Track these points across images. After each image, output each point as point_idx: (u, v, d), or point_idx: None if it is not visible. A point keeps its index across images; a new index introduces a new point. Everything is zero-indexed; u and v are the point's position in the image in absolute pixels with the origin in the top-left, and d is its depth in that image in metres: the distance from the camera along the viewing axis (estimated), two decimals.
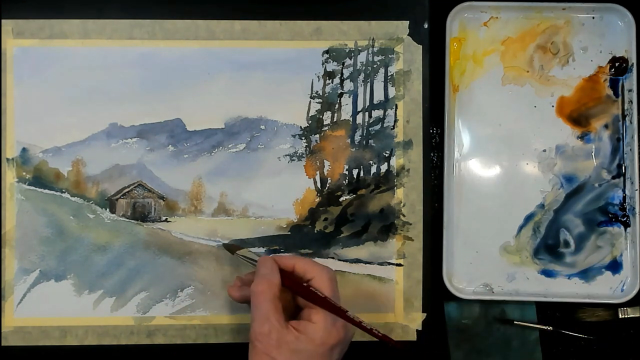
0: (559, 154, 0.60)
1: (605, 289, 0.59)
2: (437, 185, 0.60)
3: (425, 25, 0.59)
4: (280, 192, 0.58)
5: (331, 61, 0.59)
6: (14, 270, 0.57)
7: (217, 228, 0.58)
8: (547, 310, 0.60)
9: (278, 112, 0.59)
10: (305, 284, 0.49)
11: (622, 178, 0.60)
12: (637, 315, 0.59)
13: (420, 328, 0.58)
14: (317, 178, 0.59)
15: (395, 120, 0.59)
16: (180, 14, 0.58)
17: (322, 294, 0.48)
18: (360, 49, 0.59)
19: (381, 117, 0.59)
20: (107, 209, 0.58)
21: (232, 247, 0.55)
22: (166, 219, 0.58)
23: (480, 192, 0.60)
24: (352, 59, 0.59)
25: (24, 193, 0.57)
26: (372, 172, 0.59)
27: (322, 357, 0.46)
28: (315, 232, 0.59)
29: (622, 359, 0.60)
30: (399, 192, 0.59)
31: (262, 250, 0.58)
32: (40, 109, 0.58)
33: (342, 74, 0.59)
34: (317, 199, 0.59)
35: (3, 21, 0.57)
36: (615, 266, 0.59)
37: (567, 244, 0.60)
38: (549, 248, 0.59)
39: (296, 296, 0.50)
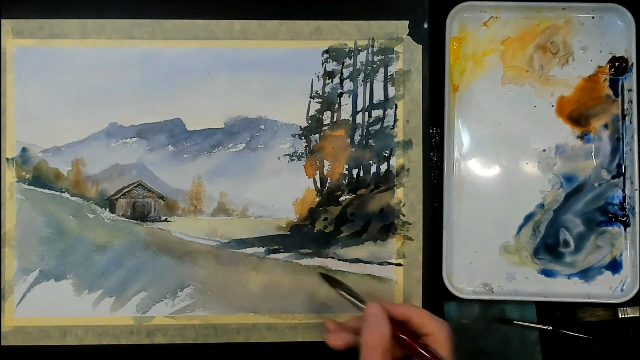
0: (559, 154, 0.60)
1: (605, 289, 0.59)
2: (437, 185, 0.60)
3: (425, 25, 0.59)
4: (280, 192, 0.58)
5: (331, 61, 0.59)
6: (14, 270, 0.57)
7: (217, 228, 0.58)
8: (547, 310, 0.60)
9: (278, 112, 0.59)
10: (422, 342, 0.45)
11: (622, 178, 0.60)
12: (637, 315, 0.59)
13: None
14: (317, 178, 0.59)
15: (395, 120, 0.59)
16: (180, 14, 0.58)
17: (439, 357, 0.44)
18: (360, 49, 0.59)
19: (381, 117, 0.59)
20: (107, 209, 0.58)
21: (334, 282, 0.52)
22: (166, 219, 0.58)
23: (480, 192, 0.60)
24: (352, 59, 0.59)
25: (24, 193, 0.57)
26: (372, 172, 0.59)
27: None
28: (315, 232, 0.59)
29: (622, 359, 0.60)
30: (399, 192, 0.59)
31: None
32: (40, 109, 0.58)
33: (342, 74, 0.59)
34: (317, 199, 0.59)
35: (3, 21, 0.57)
36: (615, 266, 0.59)
37: (567, 244, 0.60)
38: (549, 248, 0.59)
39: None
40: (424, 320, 0.46)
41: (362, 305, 0.48)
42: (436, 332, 0.45)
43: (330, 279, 0.53)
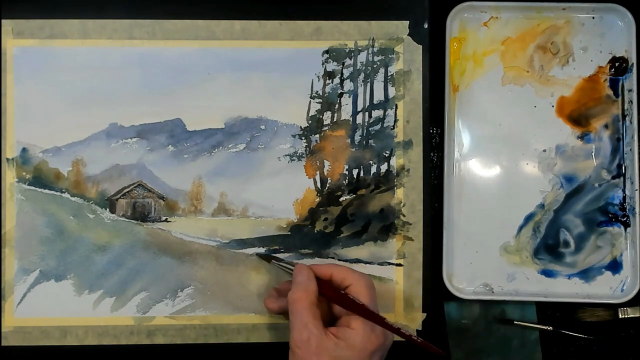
0: (559, 154, 0.60)
1: (605, 289, 0.59)
2: (437, 185, 0.60)
3: (425, 25, 0.59)
4: (280, 192, 0.58)
5: (331, 61, 0.59)
6: (14, 270, 0.57)
7: (217, 228, 0.58)
8: (547, 310, 0.60)
9: (278, 112, 0.59)
10: (342, 292, 0.49)
11: (622, 178, 0.60)
12: (637, 315, 0.59)
13: (420, 328, 0.58)
14: (317, 178, 0.59)
15: (395, 120, 0.59)
16: (180, 14, 0.58)
17: (359, 302, 0.48)
18: (360, 49, 0.59)
19: (381, 117, 0.59)
20: (107, 209, 0.58)
21: (267, 257, 0.56)
22: (166, 219, 0.58)
23: (480, 192, 0.60)
24: (352, 59, 0.59)
25: (24, 193, 0.57)
26: (372, 172, 0.59)
27: None
28: (315, 232, 0.59)
29: (622, 359, 0.60)
30: (399, 192, 0.59)
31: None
32: (40, 109, 0.58)
33: (342, 74, 0.59)
34: (317, 199, 0.59)
35: (3, 21, 0.57)
36: (615, 266, 0.59)
37: (567, 244, 0.60)
38: (549, 248, 0.59)
39: (333, 304, 0.50)
40: (344, 273, 0.50)
41: (292, 269, 0.52)
42: (355, 282, 0.49)
43: (264, 256, 0.57)
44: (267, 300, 0.54)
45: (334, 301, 0.50)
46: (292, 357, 0.47)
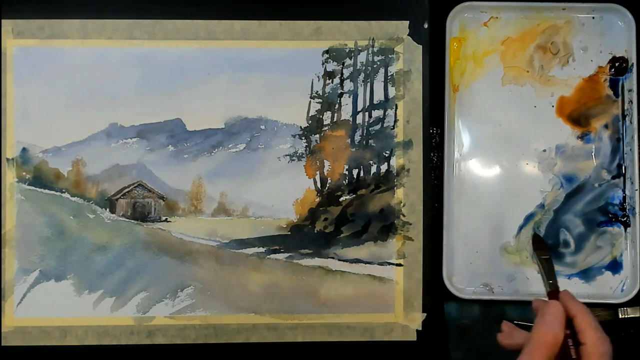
0: (559, 154, 0.60)
1: (605, 289, 0.59)
2: (437, 185, 0.60)
3: (425, 25, 0.59)
4: (280, 192, 0.58)
5: (331, 61, 0.59)
6: (14, 270, 0.57)
7: (217, 228, 0.58)
8: None
9: (278, 112, 0.59)
10: (571, 346, 0.43)
11: (622, 178, 0.60)
12: (637, 315, 0.59)
13: (420, 328, 0.58)
14: (317, 178, 0.59)
15: (395, 120, 0.59)
16: (180, 14, 0.58)
17: None
18: (360, 49, 0.59)
19: (381, 117, 0.59)
20: (107, 209, 0.58)
21: (540, 246, 0.50)
22: (166, 219, 0.58)
23: (480, 192, 0.60)
24: (352, 59, 0.59)
25: (24, 193, 0.57)
26: (372, 172, 0.59)
27: None
28: (315, 232, 0.59)
29: (622, 359, 0.60)
30: (399, 192, 0.59)
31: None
32: (40, 109, 0.58)
33: (342, 74, 0.59)
34: (317, 199, 0.59)
35: (3, 21, 0.57)
36: (615, 266, 0.59)
37: (567, 244, 0.60)
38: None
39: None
40: (585, 325, 0.43)
41: (548, 288, 0.47)
42: (590, 343, 0.43)
43: (540, 241, 0.51)
44: (502, 336, 0.49)
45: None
46: None
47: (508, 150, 0.60)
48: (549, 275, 0.48)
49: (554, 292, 0.47)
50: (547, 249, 0.51)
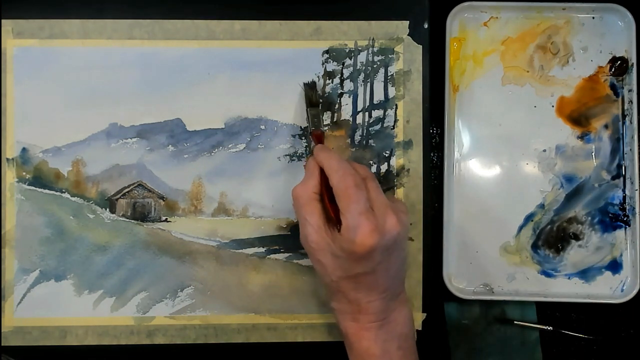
0: (559, 154, 0.60)
1: (605, 289, 0.59)
2: (437, 185, 0.60)
3: (425, 25, 0.59)
4: (280, 192, 0.58)
5: (331, 61, 0.59)
6: (14, 270, 0.57)
7: (217, 228, 0.58)
8: (547, 310, 0.60)
9: (278, 112, 0.59)
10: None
11: (622, 178, 0.60)
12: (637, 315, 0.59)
13: (420, 328, 0.58)
14: None
15: (395, 120, 0.59)
16: (180, 14, 0.58)
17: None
18: (360, 49, 0.59)
19: (381, 117, 0.59)
20: (107, 209, 0.58)
21: (312, 97, 0.55)
22: (166, 219, 0.58)
23: (480, 192, 0.60)
24: (352, 59, 0.59)
25: (24, 193, 0.57)
26: None
27: (359, 260, 0.45)
28: None
29: (622, 359, 0.60)
30: (399, 192, 0.59)
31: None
32: (40, 109, 0.58)
33: (342, 74, 0.59)
34: None
35: (3, 21, 0.57)
36: (615, 266, 0.59)
37: (567, 244, 0.59)
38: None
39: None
40: (329, 172, 0.47)
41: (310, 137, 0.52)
42: (335, 185, 0.47)
43: (311, 90, 0.55)
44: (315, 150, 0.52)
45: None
46: (309, 257, 0.48)
47: (508, 150, 0.60)
48: (316, 125, 0.53)
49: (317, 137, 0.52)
50: (317, 99, 0.55)
